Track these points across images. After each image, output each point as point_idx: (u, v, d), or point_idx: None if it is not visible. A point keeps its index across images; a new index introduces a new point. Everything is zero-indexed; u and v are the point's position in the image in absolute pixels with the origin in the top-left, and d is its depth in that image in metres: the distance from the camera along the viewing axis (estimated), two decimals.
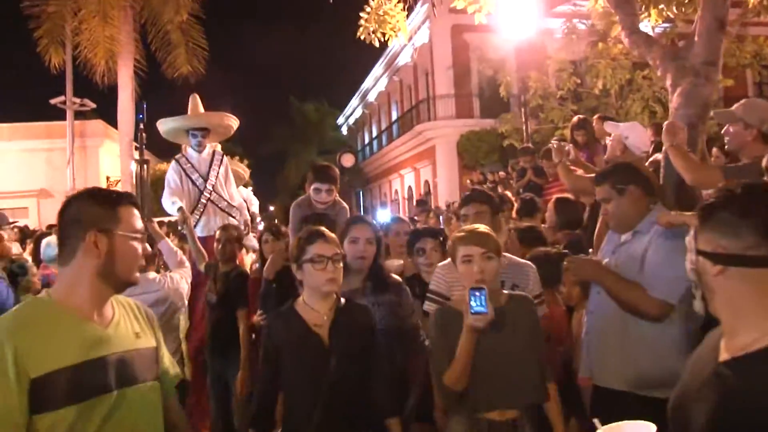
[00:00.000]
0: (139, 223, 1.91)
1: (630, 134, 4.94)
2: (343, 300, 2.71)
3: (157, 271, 4.60)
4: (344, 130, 43.01)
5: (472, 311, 2.40)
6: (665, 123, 3.80)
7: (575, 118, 7.07)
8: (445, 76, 23.46)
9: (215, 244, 4.83)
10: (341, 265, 2.68)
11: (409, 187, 27.89)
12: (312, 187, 4.51)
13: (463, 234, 2.67)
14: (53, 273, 5.47)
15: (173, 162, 6.19)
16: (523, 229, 4.41)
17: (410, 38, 22.80)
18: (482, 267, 2.53)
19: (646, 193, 2.88)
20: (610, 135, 5.54)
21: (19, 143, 20.22)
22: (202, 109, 6.48)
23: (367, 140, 36.76)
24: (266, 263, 4.14)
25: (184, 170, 6.06)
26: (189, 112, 6.42)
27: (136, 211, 1.92)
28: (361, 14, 6.70)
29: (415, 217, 11.12)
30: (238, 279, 4.65)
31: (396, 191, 30.10)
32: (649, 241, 2.77)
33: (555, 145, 4.74)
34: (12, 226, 7.05)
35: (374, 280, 3.25)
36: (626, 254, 2.86)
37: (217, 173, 6.14)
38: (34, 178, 19.95)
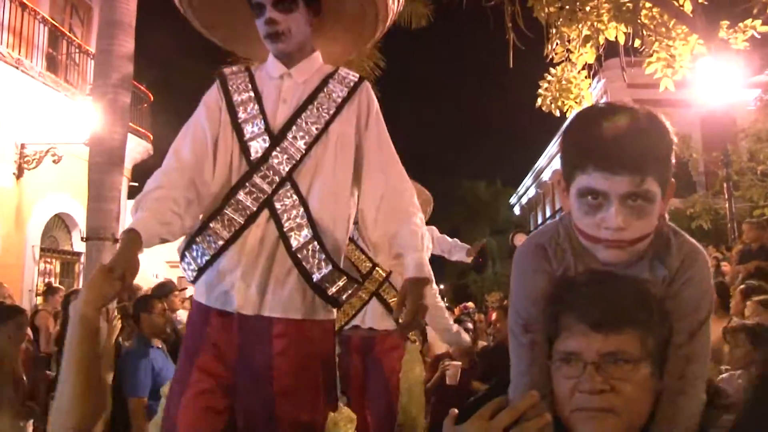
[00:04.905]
0: None
1: None
2: None
3: None
4: (516, 210, 42.13)
5: None
6: None
7: None
8: None
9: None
10: None
11: None
12: (576, 188, 1.20)
13: None
14: None
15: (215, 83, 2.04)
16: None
17: None
18: None
19: None
20: None
21: None
22: None
23: (540, 220, 35.60)
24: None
25: (229, 101, 1.95)
26: None
27: None
28: (541, 83, 6.48)
29: None
30: None
31: None
32: None
33: None
34: (182, 294, 7.04)
35: None
36: None
37: (325, 123, 1.89)
38: None
